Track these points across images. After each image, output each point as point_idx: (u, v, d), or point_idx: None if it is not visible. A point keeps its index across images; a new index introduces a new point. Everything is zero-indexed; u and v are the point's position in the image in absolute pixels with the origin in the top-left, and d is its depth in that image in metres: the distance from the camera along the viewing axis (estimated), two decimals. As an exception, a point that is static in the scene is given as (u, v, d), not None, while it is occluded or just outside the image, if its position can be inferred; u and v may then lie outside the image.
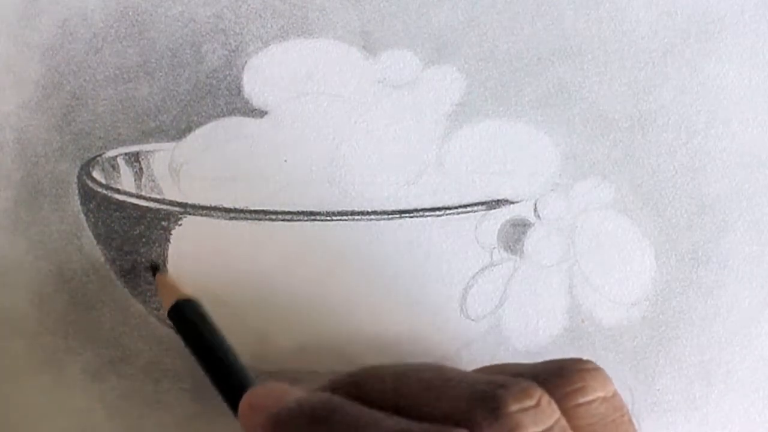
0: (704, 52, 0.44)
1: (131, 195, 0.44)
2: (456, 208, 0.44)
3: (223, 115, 0.44)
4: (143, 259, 0.44)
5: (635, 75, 0.44)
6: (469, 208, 0.44)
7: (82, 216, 0.44)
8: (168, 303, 0.42)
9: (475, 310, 0.45)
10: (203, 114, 0.44)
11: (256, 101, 0.44)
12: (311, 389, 0.35)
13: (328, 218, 0.44)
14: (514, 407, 0.32)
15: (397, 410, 0.33)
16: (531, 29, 0.44)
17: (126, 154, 0.44)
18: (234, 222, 0.43)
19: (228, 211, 0.44)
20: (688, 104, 0.44)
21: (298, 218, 0.44)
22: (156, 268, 0.44)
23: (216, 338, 0.40)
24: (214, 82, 0.44)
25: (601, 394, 0.35)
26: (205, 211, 0.43)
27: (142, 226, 0.44)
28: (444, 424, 0.32)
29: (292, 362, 0.45)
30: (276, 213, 0.44)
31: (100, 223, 0.44)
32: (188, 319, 0.41)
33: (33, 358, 0.45)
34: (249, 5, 0.43)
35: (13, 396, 0.46)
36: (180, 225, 0.43)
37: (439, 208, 0.44)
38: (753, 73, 0.44)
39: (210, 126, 0.44)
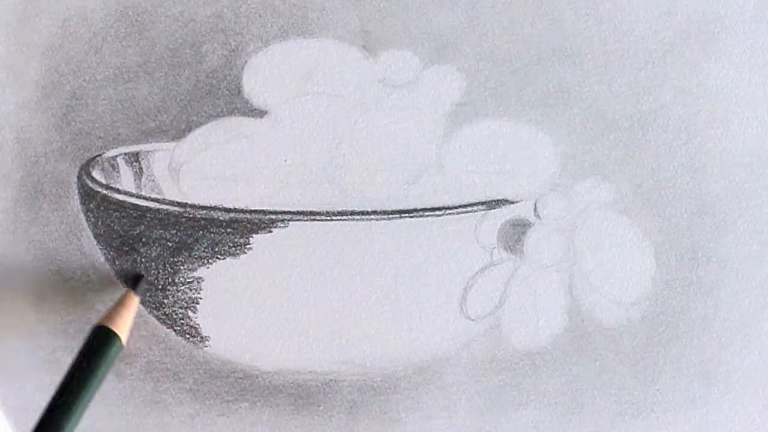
0: (704, 52, 0.44)
1: (131, 195, 0.44)
2: (456, 208, 0.44)
3: (223, 115, 0.44)
4: (143, 259, 0.44)
5: (635, 75, 0.44)
6: (469, 208, 0.44)
7: (82, 216, 0.44)
8: (103, 320, 0.42)
9: (475, 310, 0.45)
10: (203, 114, 0.44)
11: (256, 101, 0.44)
12: None
13: (328, 218, 0.44)
14: None
15: None
16: (531, 29, 0.44)
17: (126, 154, 0.44)
18: (233, 222, 0.44)
19: (227, 211, 0.44)
20: (688, 104, 0.44)
21: (298, 218, 0.44)
22: (136, 283, 0.44)
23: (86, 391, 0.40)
24: (214, 82, 0.44)
25: None
26: (204, 212, 0.43)
27: (142, 226, 0.44)
28: None
29: (291, 362, 0.45)
30: (276, 213, 0.44)
31: (100, 223, 0.44)
32: (97, 351, 0.41)
33: (33, 358, 0.45)
34: (249, 5, 0.43)
35: (13, 396, 0.46)
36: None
37: (439, 208, 0.44)
38: (753, 73, 0.44)
39: (210, 126, 0.44)
